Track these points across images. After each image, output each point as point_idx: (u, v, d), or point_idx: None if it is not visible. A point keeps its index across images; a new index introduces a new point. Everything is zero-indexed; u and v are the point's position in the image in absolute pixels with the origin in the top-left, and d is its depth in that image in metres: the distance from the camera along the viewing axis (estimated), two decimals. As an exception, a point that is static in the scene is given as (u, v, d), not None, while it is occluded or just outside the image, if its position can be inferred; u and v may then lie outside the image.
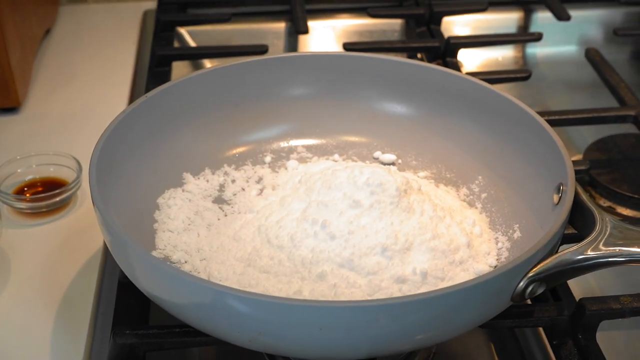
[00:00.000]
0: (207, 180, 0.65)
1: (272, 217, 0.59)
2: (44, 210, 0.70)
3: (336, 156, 0.69)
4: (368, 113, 0.70)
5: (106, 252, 0.66)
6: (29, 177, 0.72)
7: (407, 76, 0.69)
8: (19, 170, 0.72)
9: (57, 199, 0.70)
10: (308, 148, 0.70)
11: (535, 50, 1.05)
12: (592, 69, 0.91)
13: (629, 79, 0.98)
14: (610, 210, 0.75)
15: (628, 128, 0.84)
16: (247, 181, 0.66)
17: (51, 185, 0.71)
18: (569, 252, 0.51)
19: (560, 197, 0.56)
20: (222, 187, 0.65)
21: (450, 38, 0.91)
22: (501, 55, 1.04)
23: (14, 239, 0.68)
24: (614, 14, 1.08)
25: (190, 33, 1.00)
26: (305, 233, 0.56)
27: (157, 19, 0.96)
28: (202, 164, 0.66)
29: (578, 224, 0.56)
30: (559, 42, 1.05)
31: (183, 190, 0.64)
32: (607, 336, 0.61)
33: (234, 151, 0.68)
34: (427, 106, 0.69)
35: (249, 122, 0.69)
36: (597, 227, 0.53)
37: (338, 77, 0.70)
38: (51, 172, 0.73)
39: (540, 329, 0.60)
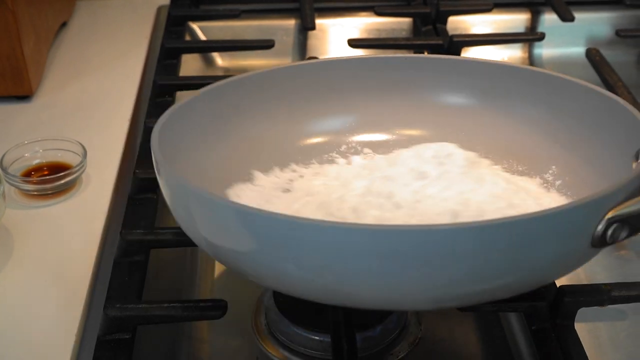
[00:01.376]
0: (277, 176, 0.65)
1: (334, 195, 0.59)
2: (49, 192, 0.73)
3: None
4: (432, 108, 0.69)
5: (106, 233, 0.69)
6: (36, 161, 0.75)
7: (468, 70, 0.68)
8: (26, 155, 0.75)
9: (62, 181, 0.72)
10: (374, 144, 0.69)
11: (542, 51, 1.06)
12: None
13: (635, 81, 0.99)
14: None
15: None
16: (315, 175, 0.66)
17: (57, 169, 0.74)
18: None
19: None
20: (290, 181, 0.65)
21: (453, 36, 0.93)
22: (507, 56, 1.05)
23: (20, 219, 0.70)
24: (620, 16, 1.09)
25: (201, 28, 1.02)
26: (369, 205, 0.55)
27: (169, 14, 0.99)
28: (268, 159, 0.66)
29: None
30: (565, 43, 1.07)
31: (253, 184, 0.63)
32: (591, 327, 0.63)
33: (302, 143, 0.68)
34: (491, 99, 0.67)
35: (316, 118, 0.69)
36: None
37: (403, 77, 0.69)
38: (57, 156, 0.75)
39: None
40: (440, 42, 0.93)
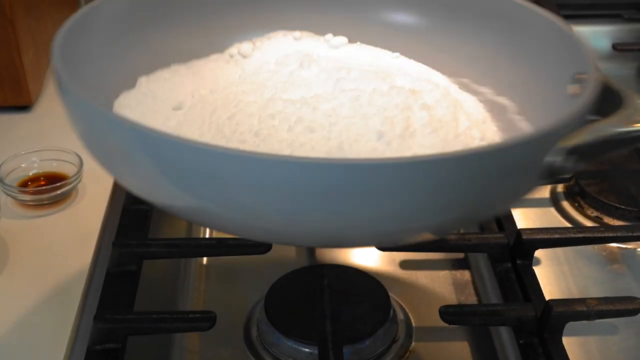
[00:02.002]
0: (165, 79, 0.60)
1: (218, 112, 0.54)
2: (45, 202, 0.73)
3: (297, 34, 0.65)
4: (362, 20, 0.66)
5: (100, 243, 0.69)
6: (33, 172, 0.76)
7: None
8: (23, 165, 0.75)
9: (59, 191, 0.73)
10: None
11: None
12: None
13: (633, 95, 0.99)
14: (598, 220, 0.77)
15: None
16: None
17: (53, 179, 0.74)
18: (603, 124, 0.46)
19: (581, 85, 0.51)
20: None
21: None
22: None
23: (16, 229, 0.71)
24: (618, 30, 1.09)
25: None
26: (274, 129, 0.52)
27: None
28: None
29: (605, 108, 0.49)
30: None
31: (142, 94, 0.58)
32: (582, 341, 0.63)
33: (210, 23, 0.64)
34: (435, 18, 0.64)
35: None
36: (627, 104, 0.48)
37: None
38: (54, 166, 0.76)
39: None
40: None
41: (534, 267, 0.66)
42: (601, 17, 1.10)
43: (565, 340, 0.59)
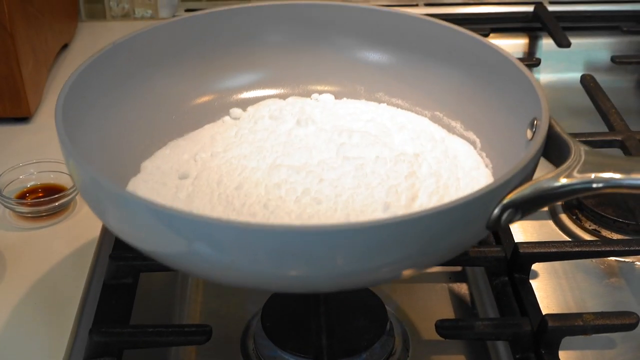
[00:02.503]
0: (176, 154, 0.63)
1: (225, 182, 0.57)
2: (43, 214, 0.73)
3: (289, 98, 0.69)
4: (343, 62, 0.70)
5: (97, 255, 0.69)
6: (31, 183, 0.76)
7: (382, 23, 0.69)
8: (21, 177, 0.76)
9: (56, 203, 0.73)
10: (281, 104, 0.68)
11: (538, 76, 1.07)
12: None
13: (632, 107, 1.00)
14: (596, 234, 0.77)
15: (618, 153, 0.86)
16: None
17: (51, 191, 0.74)
18: (544, 179, 0.50)
19: (534, 132, 0.56)
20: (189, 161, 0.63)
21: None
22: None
23: (14, 241, 0.71)
24: (617, 42, 1.09)
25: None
26: (281, 200, 0.55)
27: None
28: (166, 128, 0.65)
29: (554, 156, 0.55)
30: (562, 68, 1.07)
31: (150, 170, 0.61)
32: (579, 355, 0.63)
33: (201, 100, 0.68)
34: (399, 53, 0.69)
35: (219, 71, 0.69)
36: (572, 156, 0.52)
37: (312, 26, 0.69)
38: (52, 178, 0.76)
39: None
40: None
41: (531, 280, 0.66)
42: (600, 29, 1.10)
43: (562, 355, 0.59)
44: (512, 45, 1.09)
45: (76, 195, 0.74)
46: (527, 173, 0.50)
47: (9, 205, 0.73)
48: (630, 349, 0.64)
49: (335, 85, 0.70)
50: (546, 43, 1.08)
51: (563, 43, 0.99)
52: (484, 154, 0.62)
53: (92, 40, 1.08)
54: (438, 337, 0.61)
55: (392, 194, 0.55)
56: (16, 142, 0.85)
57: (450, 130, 0.66)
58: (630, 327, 0.59)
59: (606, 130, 0.85)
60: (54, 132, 0.86)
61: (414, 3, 1.11)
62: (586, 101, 0.98)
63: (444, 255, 0.50)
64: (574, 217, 0.79)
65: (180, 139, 0.65)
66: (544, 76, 1.07)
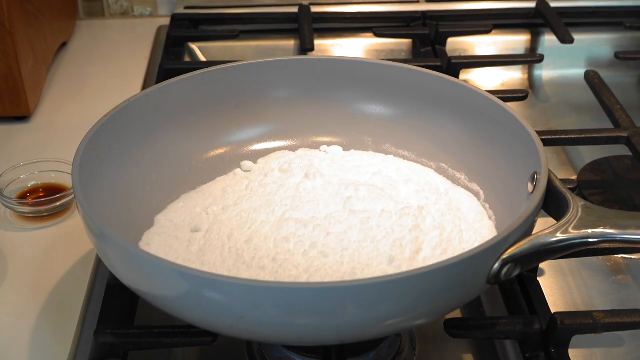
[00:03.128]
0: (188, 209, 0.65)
1: (235, 236, 0.59)
2: (45, 214, 0.72)
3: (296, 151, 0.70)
4: (350, 114, 0.72)
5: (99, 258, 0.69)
6: (32, 183, 0.75)
7: (388, 77, 0.70)
8: (22, 177, 0.75)
9: (58, 203, 0.72)
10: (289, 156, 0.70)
11: (541, 72, 1.06)
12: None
13: (635, 103, 0.99)
14: (602, 231, 0.76)
15: (625, 150, 0.85)
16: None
17: (53, 191, 0.74)
18: (542, 235, 0.52)
19: (535, 186, 0.58)
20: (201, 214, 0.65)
21: (451, 58, 0.93)
22: (507, 77, 1.05)
23: (15, 241, 0.70)
24: (620, 38, 1.08)
25: (200, 49, 1.03)
26: (290, 253, 0.57)
27: (168, 35, 0.99)
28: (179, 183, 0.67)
29: (553, 210, 0.57)
30: (565, 65, 1.06)
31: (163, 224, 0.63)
32: (587, 353, 0.62)
33: (212, 154, 0.70)
34: (405, 106, 0.71)
35: (230, 125, 0.71)
36: (570, 211, 0.54)
37: (317, 80, 0.71)
38: (52, 178, 0.75)
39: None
40: (439, 63, 0.93)
41: (538, 278, 0.65)
42: (603, 25, 1.09)
43: (571, 353, 0.59)
44: (515, 41, 1.08)
45: (78, 195, 0.74)
46: (526, 228, 0.52)
47: (9, 205, 0.72)
48: (639, 347, 0.64)
49: (343, 137, 0.72)
50: (548, 39, 1.07)
51: (566, 39, 0.98)
52: (487, 206, 0.64)
53: (90, 38, 1.07)
54: (444, 336, 0.60)
55: (397, 247, 0.57)
56: (16, 142, 0.84)
57: (455, 181, 0.67)
58: (640, 325, 0.59)
59: (611, 126, 0.84)
60: (54, 131, 0.86)
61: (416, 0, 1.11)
62: (589, 97, 0.98)
63: (446, 309, 0.52)
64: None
65: (192, 191, 0.66)
66: (546, 72, 1.06)
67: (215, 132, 0.70)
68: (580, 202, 0.54)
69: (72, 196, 0.73)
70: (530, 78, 1.07)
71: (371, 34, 1.03)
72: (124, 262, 0.51)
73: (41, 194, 0.74)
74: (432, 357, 0.63)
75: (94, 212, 0.53)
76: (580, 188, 0.78)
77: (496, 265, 0.50)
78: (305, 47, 0.95)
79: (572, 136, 0.79)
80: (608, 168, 0.83)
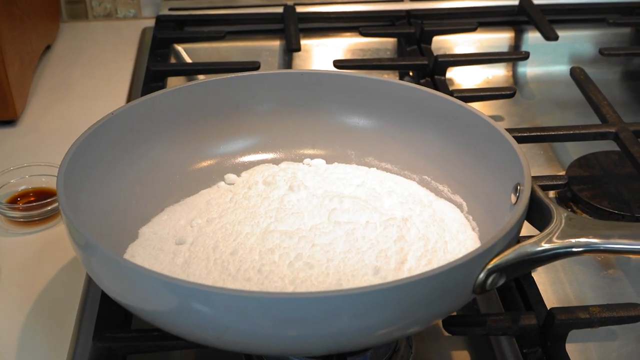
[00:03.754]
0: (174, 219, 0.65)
1: (220, 248, 0.59)
2: (36, 219, 0.72)
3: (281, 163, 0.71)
4: (333, 127, 0.72)
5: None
6: (22, 187, 0.75)
7: (370, 90, 0.71)
8: (12, 181, 0.74)
9: (49, 207, 0.72)
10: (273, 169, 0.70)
11: (526, 69, 1.07)
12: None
13: (618, 99, 1.00)
14: (591, 226, 0.77)
15: (612, 145, 0.86)
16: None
17: (43, 195, 0.73)
18: (526, 244, 0.52)
19: (517, 197, 0.58)
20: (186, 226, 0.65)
21: (438, 56, 0.93)
22: (492, 75, 1.06)
23: (7, 246, 0.70)
24: (603, 34, 1.09)
25: (186, 50, 1.02)
26: (275, 265, 0.57)
27: (154, 36, 0.99)
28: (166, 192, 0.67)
29: (536, 220, 0.58)
30: (549, 61, 1.07)
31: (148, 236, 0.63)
32: (582, 347, 0.63)
33: (196, 166, 0.70)
34: (388, 119, 0.71)
35: (232, 137, 0.71)
36: (554, 221, 0.54)
37: (301, 93, 0.72)
38: (43, 182, 0.75)
39: (514, 340, 0.61)
40: (425, 62, 0.93)
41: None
42: (585, 22, 1.10)
43: (566, 347, 0.59)
44: (499, 39, 1.09)
45: (69, 198, 0.73)
46: (510, 238, 0.53)
47: (0, 210, 0.71)
48: (633, 340, 0.64)
49: (326, 149, 0.72)
50: (532, 36, 1.08)
51: (550, 36, 0.99)
52: (470, 217, 0.65)
53: (74, 41, 1.06)
54: (441, 334, 0.60)
55: (382, 258, 0.57)
56: (4, 146, 0.84)
57: (438, 193, 0.68)
58: (635, 319, 0.59)
59: (597, 122, 0.85)
60: (42, 135, 0.85)
61: (400, -1, 1.11)
62: (573, 93, 0.98)
63: (431, 319, 0.52)
64: (569, 209, 0.79)
65: (176, 204, 0.66)
66: (530, 69, 1.07)
67: (199, 144, 0.70)
68: (564, 213, 0.55)
69: (63, 200, 0.73)
70: (515, 75, 1.07)
71: (356, 33, 1.03)
72: (109, 273, 0.51)
73: (32, 199, 0.74)
74: (428, 355, 0.63)
75: (79, 223, 0.52)
76: (570, 184, 0.79)
77: (481, 275, 0.51)
78: (291, 48, 0.95)
79: (561, 132, 0.79)
80: (596, 163, 0.83)
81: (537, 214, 0.57)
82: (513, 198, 0.59)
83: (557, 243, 0.53)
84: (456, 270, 0.49)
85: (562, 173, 0.83)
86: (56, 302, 0.64)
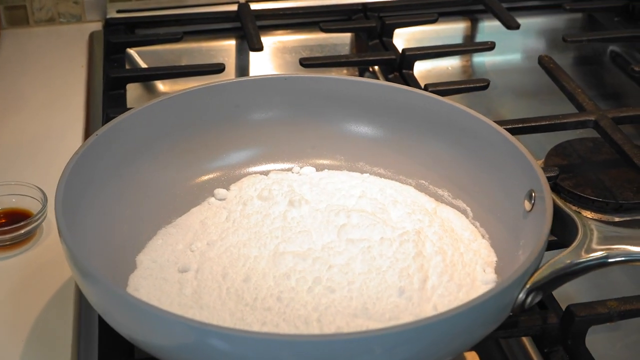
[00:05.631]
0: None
1: (231, 275, 0.56)
2: (7, 243, 0.67)
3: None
4: (322, 133, 0.70)
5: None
6: (-9, 209, 0.70)
7: (372, 96, 0.69)
8: (-23, 202, 0.69)
9: (22, 231, 0.67)
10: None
11: (483, 59, 1.06)
12: (543, 75, 0.92)
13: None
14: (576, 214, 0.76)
15: (581, 133, 0.86)
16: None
17: (15, 217, 0.68)
18: (562, 257, 0.52)
19: (533, 204, 0.57)
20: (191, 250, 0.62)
21: (405, 50, 0.92)
22: (450, 65, 1.05)
23: (-22, 275, 0.65)
24: (555, 21, 1.10)
25: (139, 54, 0.98)
26: (294, 291, 0.54)
27: (106, 41, 0.94)
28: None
29: (557, 230, 0.56)
30: (504, 50, 1.07)
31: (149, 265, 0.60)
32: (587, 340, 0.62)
33: (182, 184, 0.67)
34: (393, 125, 0.69)
35: (215, 149, 0.69)
36: (581, 230, 0.54)
37: (284, 99, 0.69)
38: (14, 202, 0.70)
39: (524, 338, 0.60)
40: (393, 56, 0.92)
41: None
42: (540, 9, 1.10)
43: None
44: (459, 29, 1.08)
45: (43, 220, 0.69)
46: (542, 255, 0.52)
47: (-33, 235, 0.67)
48: (635, 331, 0.64)
49: (314, 157, 0.70)
50: (488, 25, 1.08)
51: (512, 25, 0.98)
52: (477, 224, 0.63)
53: (17, 48, 1.01)
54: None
55: (405, 277, 0.56)
56: (-40, 166, 0.78)
57: (438, 198, 0.66)
58: (654, 310, 0.59)
59: (567, 110, 0.84)
60: (13, 152, 0.79)
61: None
62: (533, 82, 0.99)
63: (471, 343, 0.51)
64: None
65: (169, 226, 0.63)
66: (487, 59, 1.07)
67: (183, 160, 0.67)
68: (589, 221, 0.54)
69: (38, 222, 0.68)
70: (472, 65, 1.07)
71: (314, 30, 1.01)
72: (124, 314, 0.49)
73: (2, 221, 0.69)
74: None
75: (92, 268, 0.49)
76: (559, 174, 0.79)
77: (521, 295, 0.50)
78: (254, 47, 0.92)
79: (542, 123, 0.79)
80: (572, 151, 0.83)
81: (556, 222, 0.55)
82: (527, 205, 0.58)
83: (590, 255, 0.52)
84: (501, 294, 0.48)
85: (540, 162, 0.83)
86: (44, 335, 0.59)
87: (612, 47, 1.07)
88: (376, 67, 0.97)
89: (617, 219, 0.75)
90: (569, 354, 0.57)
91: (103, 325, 0.58)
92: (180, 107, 0.66)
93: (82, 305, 0.63)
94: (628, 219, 0.75)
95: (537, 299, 0.51)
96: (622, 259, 0.52)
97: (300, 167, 0.69)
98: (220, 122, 0.68)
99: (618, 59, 1.05)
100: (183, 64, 0.96)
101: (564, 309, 0.59)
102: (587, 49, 1.09)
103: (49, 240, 0.69)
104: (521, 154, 0.59)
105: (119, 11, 1.02)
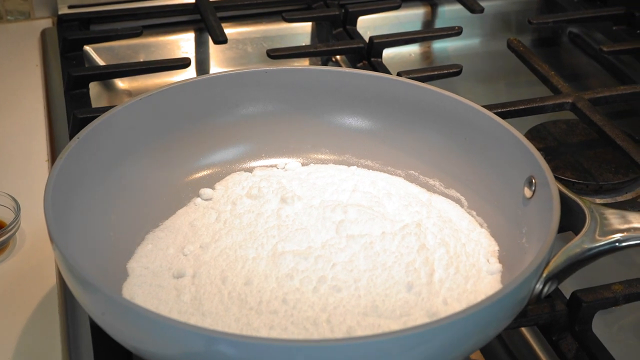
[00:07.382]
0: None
1: (230, 279, 0.54)
2: (-19, 255, 0.64)
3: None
4: (300, 127, 0.68)
5: (63, 292, 0.61)
6: (-39, 219, 0.66)
7: (356, 87, 0.67)
8: (-52, 213, 0.65)
9: (-4, 241, 0.64)
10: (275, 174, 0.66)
11: (445, 44, 1.05)
12: (505, 59, 0.92)
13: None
14: (556, 198, 0.76)
15: (552, 116, 0.86)
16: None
17: (-14, 227, 0.65)
18: (574, 244, 0.51)
19: (534, 190, 0.56)
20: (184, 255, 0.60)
21: (374, 38, 0.90)
22: (412, 52, 1.04)
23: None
24: (512, 4, 1.10)
25: (95, 50, 0.94)
26: (299, 292, 0.52)
27: (62, 38, 0.90)
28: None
29: (562, 216, 0.55)
30: (463, 35, 1.06)
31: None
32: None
33: (166, 184, 0.64)
34: (378, 115, 0.67)
35: (198, 147, 0.66)
36: (589, 215, 0.53)
37: (282, 93, 0.67)
38: (-15, 211, 0.66)
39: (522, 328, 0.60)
40: (361, 45, 0.90)
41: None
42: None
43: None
44: (420, 14, 1.07)
45: (17, 230, 0.65)
46: (554, 242, 0.51)
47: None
48: (632, 310, 0.64)
49: (299, 151, 0.68)
50: (447, 9, 1.07)
51: (476, 9, 0.98)
52: (474, 212, 0.62)
53: (-38, 49, 0.96)
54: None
55: (411, 271, 0.55)
56: None
57: (430, 189, 0.65)
58: (657, 291, 0.59)
59: (546, 93, 0.84)
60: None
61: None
62: (494, 65, 0.99)
63: (492, 336, 0.49)
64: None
65: (157, 230, 0.61)
66: (448, 44, 1.06)
67: (165, 160, 0.64)
68: (595, 206, 0.54)
69: (11, 233, 0.64)
70: (433, 51, 1.06)
71: (276, 20, 0.99)
72: (126, 323, 0.46)
73: (-26, 231, 0.65)
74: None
75: (96, 280, 0.47)
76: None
77: (538, 285, 0.49)
78: (218, 40, 0.89)
79: (520, 107, 0.78)
80: (547, 134, 0.83)
81: (562, 208, 0.54)
82: (527, 192, 0.57)
83: (601, 240, 0.51)
84: (520, 287, 0.47)
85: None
86: (35, 350, 0.56)
87: (570, 28, 1.07)
88: (338, 57, 0.95)
89: (598, 201, 0.75)
90: (577, 340, 0.57)
91: (97, 335, 0.55)
92: (159, 105, 0.64)
93: (69, 316, 0.60)
94: (610, 200, 0.75)
95: (553, 288, 0.50)
96: (632, 243, 0.52)
97: (286, 163, 0.67)
98: (200, 119, 0.66)
99: (577, 39, 1.05)
100: (146, 60, 0.92)
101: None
102: (547, 30, 1.09)
103: (23, 251, 0.65)
104: (518, 140, 0.59)
105: (70, 7, 0.97)
